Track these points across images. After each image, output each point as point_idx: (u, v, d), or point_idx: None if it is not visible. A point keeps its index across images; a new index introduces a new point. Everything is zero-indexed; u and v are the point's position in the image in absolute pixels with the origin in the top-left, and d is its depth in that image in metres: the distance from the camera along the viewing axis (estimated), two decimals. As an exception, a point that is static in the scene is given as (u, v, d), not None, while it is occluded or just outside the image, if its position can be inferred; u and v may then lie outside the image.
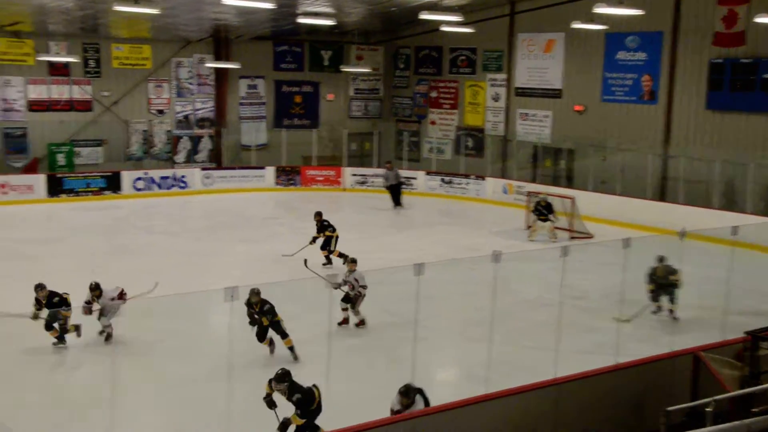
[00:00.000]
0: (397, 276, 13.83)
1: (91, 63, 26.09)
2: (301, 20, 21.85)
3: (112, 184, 25.21)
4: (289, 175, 27.78)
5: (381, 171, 25.89)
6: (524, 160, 26.19)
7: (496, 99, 27.45)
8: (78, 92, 26.04)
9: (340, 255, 15.80)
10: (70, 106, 25.99)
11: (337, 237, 16.23)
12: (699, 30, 21.45)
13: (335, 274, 13.31)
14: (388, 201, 24.13)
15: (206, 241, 18.80)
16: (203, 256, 17.05)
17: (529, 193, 21.56)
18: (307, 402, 7.81)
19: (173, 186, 26.15)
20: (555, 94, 25.52)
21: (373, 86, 31.43)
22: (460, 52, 28.43)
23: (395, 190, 24.20)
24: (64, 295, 11.08)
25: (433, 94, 29.62)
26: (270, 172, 27.67)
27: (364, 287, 12.04)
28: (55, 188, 24.27)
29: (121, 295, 11.07)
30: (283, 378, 7.74)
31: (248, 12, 22.57)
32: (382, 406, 8.28)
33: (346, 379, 9.73)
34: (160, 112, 27.82)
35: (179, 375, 10.06)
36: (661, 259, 12.72)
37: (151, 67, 27.20)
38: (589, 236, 19.80)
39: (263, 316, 10.51)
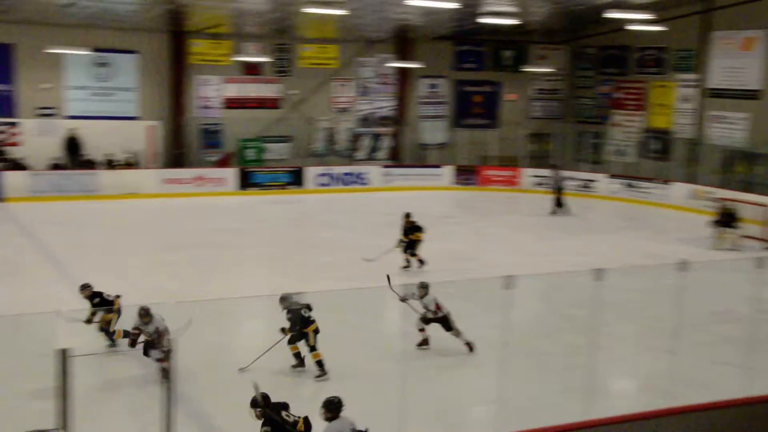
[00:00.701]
0: (575, 280, 13.56)
1: (281, 63, 27.33)
2: (484, 20, 21.79)
3: (297, 179, 26.32)
4: (467, 175, 27.82)
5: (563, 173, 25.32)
6: (715, 165, 24.76)
7: (685, 100, 26.14)
8: (269, 91, 27.37)
9: (420, 260, 15.46)
10: (261, 103, 27.36)
11: (421, 240, 15.58)
12: None
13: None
14: (554, 204, 23.36)
15: (385, 237, 19.14)
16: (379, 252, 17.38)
17: (718, 200, 20.40)
18: None
19: (354, 182, 26.90)
20: (752, 95, 23.93)
21: (554, 86, 30.84)
22: (647, 52, 27.30)
23: (557, 193, 23.38)
24: (108, 297, 10.49)
25: (618, 95, 28.64)
26: (448, 170, 27.84)
27: (435, 312, 10.72)
28: (245, 181, 25.65)
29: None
30: (255, 403, 7.07)
31: (431, 12, 22.78)
32: (555, 412, 8.13)
33: (520, 381, 9.62)
34: (344, 110, 28.69)
35: (352, 368, 10.27)
36: None
37: (336, 66, 28.10)
38: (787, 247, 18.44)
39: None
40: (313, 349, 9.79)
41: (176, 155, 25.92)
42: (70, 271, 14.20)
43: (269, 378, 9.53)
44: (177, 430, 6.59)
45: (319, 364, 9.76)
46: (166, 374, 9.15)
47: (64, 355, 5.00)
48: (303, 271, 15.06)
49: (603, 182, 26.24)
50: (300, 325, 9.74)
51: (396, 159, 28.99)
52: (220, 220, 20.95)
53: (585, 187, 25.33)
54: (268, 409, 6.97)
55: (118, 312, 10.33)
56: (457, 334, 10.64)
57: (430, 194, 26.36)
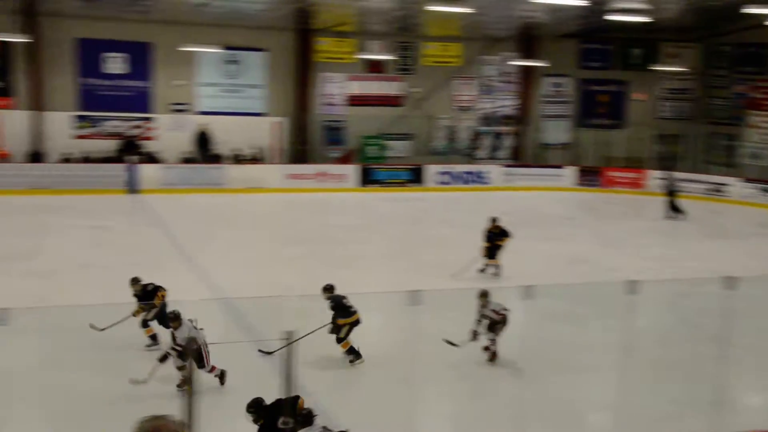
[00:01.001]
0: (703, 288, 13.03)
1: (404, 61, 27.48)
2: (612, 17, 21.19)
3: (417, 176, 26.42)
4: (590, 176, 27.18)
5: (692, 176, 24.32)
6: None
7: (830, 101, 24.60)
8: (391, 88, 27.59)
9: (496, 266, 14.52)
10: (383, 101, 27.60)
11: (503, 246, 14.65)
12: None
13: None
14: (668, 207, 22.33)
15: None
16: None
17: None
18: None
19: (474, 181, 26.77)
20: None
21: (685, 86, 29.69)
22: (788, 49, 25.90)
23: (671, 197, 22.32)
24: (159, 290, 10.12)
25: (755, 95, 27.25)
26: (570, 171, 27.29)
27: (507, 310, 9.97)
28: (366, 178, 25.97)
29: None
30: (249, 407, 6.91)
31: (557, 10, 22.38)
32: (678, 425, 7.83)
33: (640, 390, 9.33)
34: (465, 108, 28.57)
35: (464, 369, 10.21)
36: None
37: (459, 64, 28.00)
38: None
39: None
40: (340, 341, 9.77)
41: (299, 151, 26.49)
42: (197, 262, 14.77)
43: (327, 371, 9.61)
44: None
45: (349, 351, 9.73)
46: (185, 382, 8.48)
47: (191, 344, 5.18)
48: (419, 268, 15.08)
49: (736, 186, 25.05)
50: (340, 314, 9.75)
51: (517, 158, 28.65)
52: (341, 216, 21.28)
53: (716, 191, 24.24)
54: (264, 413, 6.84)
55: (160, 306, 10.01)
56: (492, 341, 9.97)
57: (551, 195, 25.93)
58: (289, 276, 14.17)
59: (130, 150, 24.50)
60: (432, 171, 26.56)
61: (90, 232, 17.69)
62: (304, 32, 26.06)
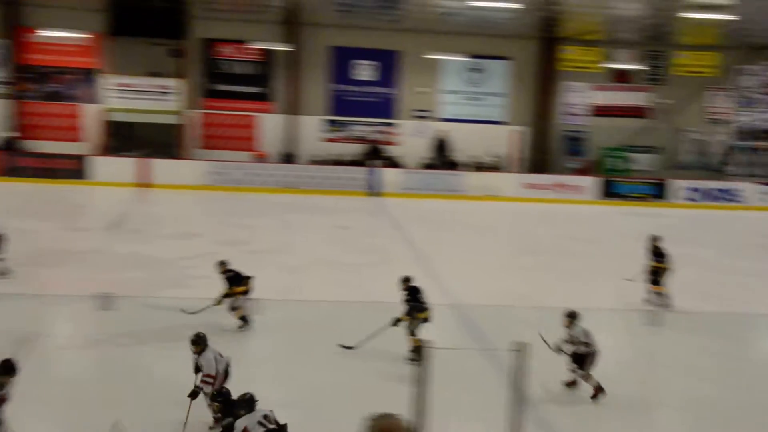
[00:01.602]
0: None
1: (654, 70, 26.31)
2: None
3: (660, 191, 25.18)
4: None
5: None
6: None
7: None
8: (637, 99, 26.55)
9: (660, 294, 12.69)
10: (628, 112, 26.61)
11: (665, 269, 12.87)
12: None
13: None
14: None
15: (757, 261, 17.58)
16: (750, 276, 15.97)
17: None
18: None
19: (725, 199, 25.05)
20: None
21: None
22: None
23: None
24: (244, 275, 10.49)
25: None
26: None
27: (587, 344, 8.80)
28: (606, 191, 25.13)
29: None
30: (215, 397, 6.76)
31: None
32: None
33: None
34: (718, 121, 26.83)
35: (713, 395, 9.55)
36: None
37: (714, 74, 26.33)
38: None
39: None
40: (412, 333, 9.53)
41: (538, 160, 26.20)
42: (431, 265, 15.04)
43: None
44: (522, 433, 6.62)
45: (416, 351, 9.20)
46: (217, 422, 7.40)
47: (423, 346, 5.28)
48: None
49: None
50: (415, 309, 9.57)
51: (776, 176, 26.46)
52: (577, 229, 20.75)
53: None
54: (227, 407, 6.72)
55: (245, 293, 10.43)
56: (587, 377, 8.85)
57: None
58: (521, 286, 14.05)
59: (374, 154, 25.52)
60: (677, 186, 25.19)
61: (333, 232, 18.62)
62: (548, 41, 25.78)
